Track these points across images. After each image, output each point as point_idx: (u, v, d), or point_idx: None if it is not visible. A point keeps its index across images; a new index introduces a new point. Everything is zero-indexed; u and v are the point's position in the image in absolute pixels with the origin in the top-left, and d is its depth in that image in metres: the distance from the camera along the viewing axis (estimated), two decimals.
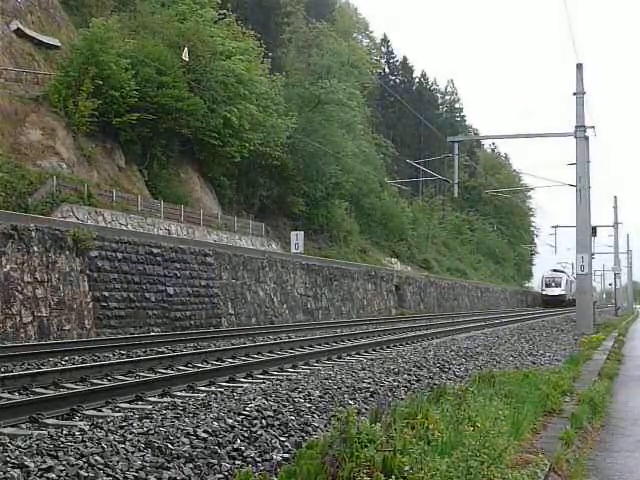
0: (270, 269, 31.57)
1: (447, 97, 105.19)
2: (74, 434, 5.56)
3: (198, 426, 5.80)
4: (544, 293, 79.06)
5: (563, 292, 77.48)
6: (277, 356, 14.20)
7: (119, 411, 7.93)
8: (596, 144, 30.36)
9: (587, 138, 24.42)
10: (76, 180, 27.42)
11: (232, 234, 35.82)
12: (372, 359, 12.48)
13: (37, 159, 27.50)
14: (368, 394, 8.15)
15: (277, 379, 10.20)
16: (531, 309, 73.68)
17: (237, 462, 5.19)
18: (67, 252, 20.39)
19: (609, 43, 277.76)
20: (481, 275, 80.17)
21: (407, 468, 4.37)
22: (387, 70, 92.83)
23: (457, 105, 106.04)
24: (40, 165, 27.18)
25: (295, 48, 59.13)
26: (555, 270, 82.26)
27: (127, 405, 8.48)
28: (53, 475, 4.40)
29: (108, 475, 4.53)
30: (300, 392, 7.77)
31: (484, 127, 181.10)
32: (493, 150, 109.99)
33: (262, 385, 9.00)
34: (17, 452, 4.89)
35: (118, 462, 4.75)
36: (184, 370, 11.63)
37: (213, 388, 9.94)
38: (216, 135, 35.97)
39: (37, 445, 5.13)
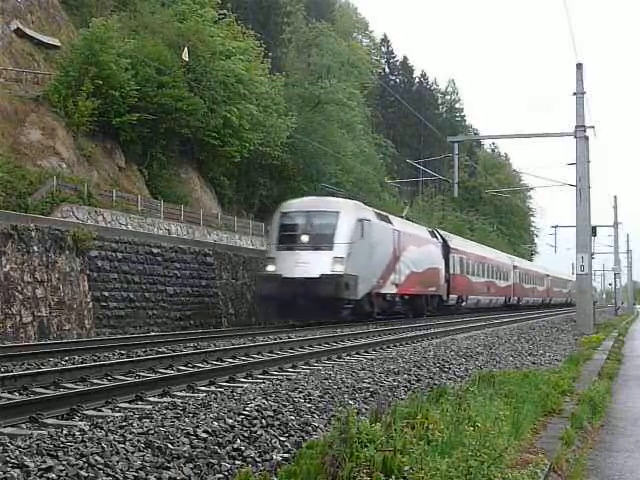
0: None
1: (447, 97, 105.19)
2: (74, 434, 5.56)
3: (198, 426, 5.80)
4: (268, 272, 24.52)
5: (338, 271, 23.80)
6: (277, 356, 14.19)
7: (119, 411, 7.92)
8: (596, 144, 30.43)
9: (587, 138, 24.42)
10: (76, 180, 27.41)
11: (232, 234, 35.81)
12: (372, 359, 12.48)
13: (37, 159, 27.50)
14: (368, 394, 8.14)
15: (277, 379, 10.20)
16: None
17: (237, 462, 5.19)
18: (67, 252, 20.40)
19: (609, 43, 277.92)
20: None
21: (407, 468, 4.37)
22: (387, 70, 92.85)
23: (457, 105, 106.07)
24: (40, 165, 27.18)
25: (295, 48, 59.09)
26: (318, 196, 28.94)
27: (127, 405, 8.47)
28: (53, 475, 4.40)
29: (108, 475, 4.53)
30: (300, 392, 7.77)
31: (485, 127, 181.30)
32: (493, 150, 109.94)
33: (262, 385, 8.99)
34: (17, 452, 4.89)
35: (118, 462, 4.75)
36: (184, 370, 11.62)
37: (213, 388, 9.93)
38: (216, 135, 35.98)
39: (37, 445, 5.13)
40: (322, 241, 24.56)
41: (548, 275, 68.43)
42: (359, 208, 27.41)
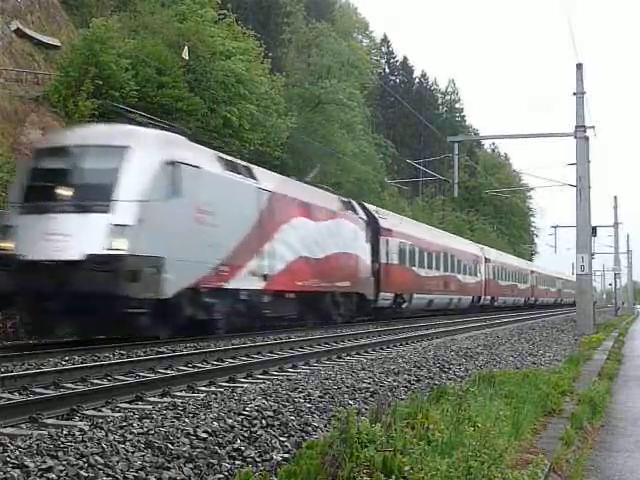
0: None
1: (447, 97, 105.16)
2: (74, 434, 5.56)
3: (198, 426, 5.80)
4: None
5: (119, 248, 13.60)
6: (277, 356, 14.21)
7: (119, 411, 7.93)
8: (596, 144, 30.42)
9: (587, 138, 24.42)
10: None
11: None
12: (372, 359, 12.48)
13: None
14: (368, 394, 8.14)
15: (277, 379, 10.20)
16: None
17: (237, 462, 5.19)
18: None
19: (609, 43, 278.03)
20: None
21: (407, 468, 4.37)
22: (387, 70, 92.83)
23: (457, 105, 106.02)
24: None
25: (295, 48, 59.11)
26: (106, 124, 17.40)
27: (127, 405, 8.47)
28: (53, 475, 4.40)
29: (108, 475, 4.53)
30: (300, 392, 7.77)
31: (485, 126, 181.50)
32: (493, 150, 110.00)
33: (262, 385, 9.00)
34: (17, 452, 4.89)
35: (118, 462, 4.75)
36: (184, 370, 11.63)
37: (213, 388, 9.94)
38: (216, 135, 35.96)
39: (37, 445, 5.13)
40: (93, 197, 14.30)
41: (533, 271, 61.66)
42: (171, 143, 16.07)
